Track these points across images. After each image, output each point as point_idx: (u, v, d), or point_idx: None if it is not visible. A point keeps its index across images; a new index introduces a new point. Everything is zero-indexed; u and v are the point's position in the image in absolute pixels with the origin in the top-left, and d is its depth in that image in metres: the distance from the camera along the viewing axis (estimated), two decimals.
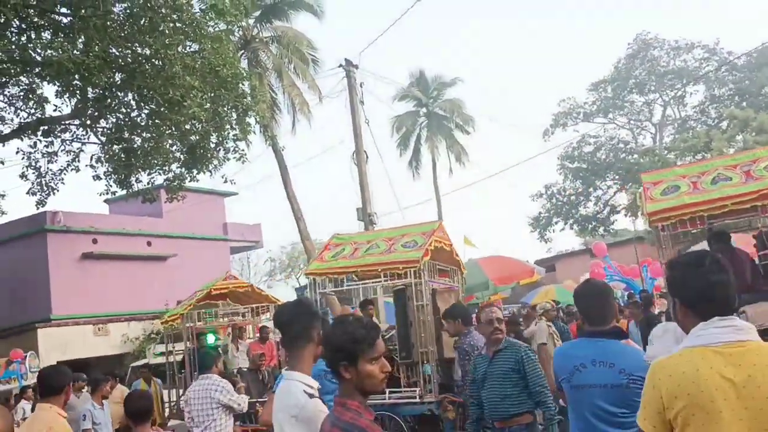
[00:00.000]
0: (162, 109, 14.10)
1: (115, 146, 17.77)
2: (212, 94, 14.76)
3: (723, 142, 24.73)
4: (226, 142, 16.22)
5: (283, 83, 20.49)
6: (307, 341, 2.88)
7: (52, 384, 4.30)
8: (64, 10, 14.75)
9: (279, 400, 2.83)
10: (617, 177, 41.45)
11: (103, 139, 17.72)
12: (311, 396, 2.73)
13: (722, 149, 24.18)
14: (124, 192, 19.49)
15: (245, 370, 10.72)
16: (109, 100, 16.07)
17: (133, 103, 16.96)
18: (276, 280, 55.07)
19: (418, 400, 7.97)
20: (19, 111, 16.53)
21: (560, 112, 43.48)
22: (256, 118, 16.01)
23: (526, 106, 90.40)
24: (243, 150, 17.03)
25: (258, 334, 11.98)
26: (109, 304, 21.48)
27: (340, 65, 15.60)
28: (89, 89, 15.17)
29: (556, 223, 42.70)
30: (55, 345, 19.20)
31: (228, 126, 15.57)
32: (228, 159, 17.16)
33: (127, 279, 22.36)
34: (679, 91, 42.79)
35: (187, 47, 14.36)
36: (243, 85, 15.61)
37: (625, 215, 39.30)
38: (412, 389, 8.18)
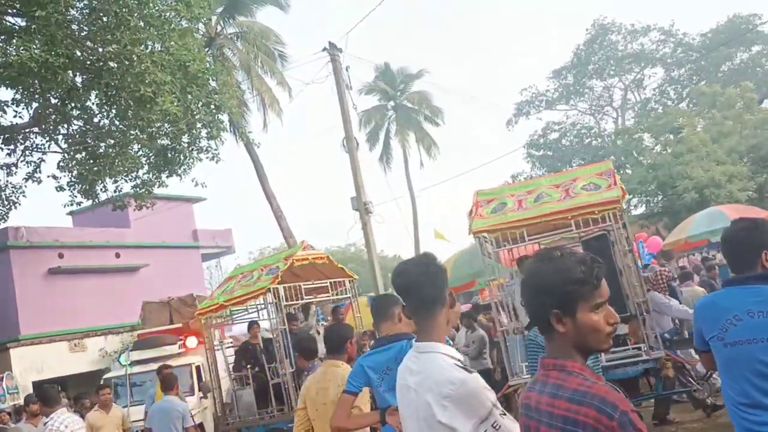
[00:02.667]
0: (130, 110, 13.42)
1: (78, 154, 17.02)
2: (182, 92, 14.13)
3: (693, 119, 24.89)
4: (199, 141, 15.57)
5: (252, 80, 19.87)
6: (441, 305, 2.35)
7: (333, 343, 4.57)
8: (14, 12, 14.00)
9: (419, 377, 2.28)
10: (583, 162, 41.60)
11: (65, 146, 16.93)
12: (466, 370, 2.20)
13: (694, 125, 24.36)
14: (90, 202, 18.70)
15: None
16: (72, 104, 15.32)
17: (95, 107, 16.25)
18: None
19: (645, 357, 6.87)
20: None
21: (523, 101, 43.57)
22: (229, 115, 15.38)
23: (492, 96, 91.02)
24: (216, 149, 16.42)
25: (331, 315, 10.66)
26: (81, 319, 20.56)
27: (324, 49, 14.95)
28: (51, 92, 14.41)
29: None
30: (30, 364, 18.28)
31: (200, 124, 14.92)
32: (200, 159, 16.53)
33: (97, 293, 21.45)
34: (638, 74, 43.23)
35: (155, 43, 13.71)
36: (213, 81, 15.01)
37: None
38: (635, 347, 7.10)
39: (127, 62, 12.43)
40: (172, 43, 13.88)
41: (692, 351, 7.39)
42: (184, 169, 17.02)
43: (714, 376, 7.07)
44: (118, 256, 23.35)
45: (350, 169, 14.29)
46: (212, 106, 14.95)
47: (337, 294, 10.28)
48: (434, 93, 36.15)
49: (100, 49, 13.47)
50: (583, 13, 77.51)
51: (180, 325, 12.04)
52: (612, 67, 42.77)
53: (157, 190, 18.15)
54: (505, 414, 2.14)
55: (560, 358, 1.81)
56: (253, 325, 9.94)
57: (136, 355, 10.98)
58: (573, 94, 43.98)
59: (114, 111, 14.75)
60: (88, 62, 13.43)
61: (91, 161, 16.82)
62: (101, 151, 16.46)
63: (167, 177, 17.93)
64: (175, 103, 12.98)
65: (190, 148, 15.55)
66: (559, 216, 7.30)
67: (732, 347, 2.72)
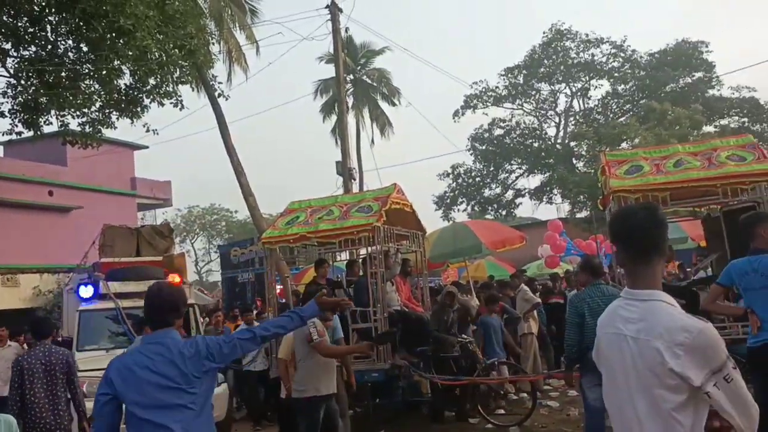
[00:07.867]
0: (106, 42, 12.66)
1: (27, 81, 16.04)
2: (158, 30, 13.44)
3: (644, 132, 25.66)
4: (166, 85, 14.89)
5: (222, 31, 19.10)
6: (661, 255, 2.28)
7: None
8: None
9: (642, 324, 2.18)
10: (523, 162, 42.39)
11: (12, 71, 15.91)
12: (702, 319, 2.13)
13: (646, 138, 25.08)
14: (31, 133, 17.71)
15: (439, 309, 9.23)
16: (32, 27, 14.40)
17: (52, 35, 15.31)
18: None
19: None
20: None
21: (472, 94, 43.78)
22: (205, 62, 14.76)
23: (443, 86, 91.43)
24: (180, 96, 15.73)
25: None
26: (8, 254, 19.46)
27: (327, 6, 14.49)
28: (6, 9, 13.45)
29: (460, 203, 43.22)
30: None
31: (173, 66, 14.26)
32: (163, 104, 15.83)
33: (27, 230, 20.39)
34: (585, 83, 44.17)
35: None
36: (190, 25, 14.35)
37: (531, 199, 40.39)
38: None
39: None
40: None
41: None
42: (140, 112, 16.30)
43: None
44: (51, 194, 22.26)
45: (338, 133, 13.99)
46: (185, 51, 14.32)
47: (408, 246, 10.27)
48: (394, 73, 35.62)
49: None
50: (543, 13, 78.99)
51: (159, 258, 10.33)
52: (561, 73, 43.55)
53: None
54: (735, 367, 2.09)
55: None
56: (323, 263, 9.11)
57: (119, 287, 8.87)
58: (520, 94, 44.55)
59: (80, 40, 13.91)
60: None
61: (41, 91, 15.91)
62: (53, 80, 15.56)
63: (118, 118, 17.13)
64: (153, 41, 12.37)
65: (156, 90, 14.86)
66: (706, 183, 7.39)
67: None
